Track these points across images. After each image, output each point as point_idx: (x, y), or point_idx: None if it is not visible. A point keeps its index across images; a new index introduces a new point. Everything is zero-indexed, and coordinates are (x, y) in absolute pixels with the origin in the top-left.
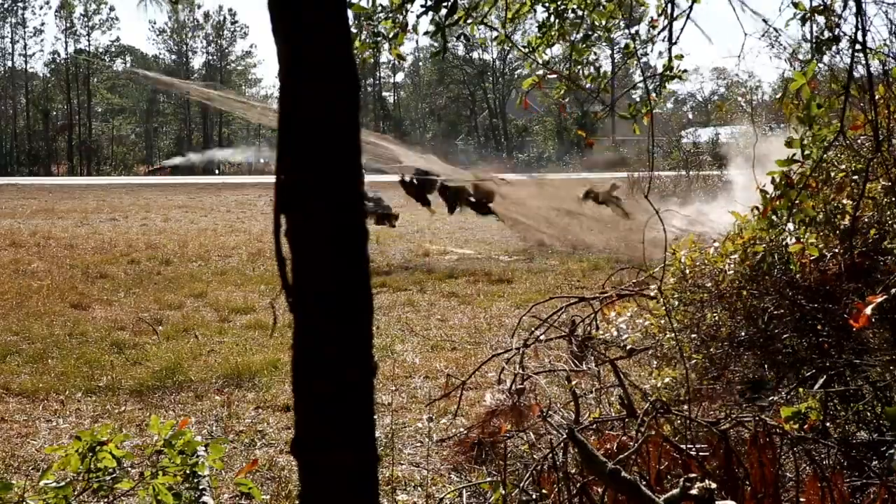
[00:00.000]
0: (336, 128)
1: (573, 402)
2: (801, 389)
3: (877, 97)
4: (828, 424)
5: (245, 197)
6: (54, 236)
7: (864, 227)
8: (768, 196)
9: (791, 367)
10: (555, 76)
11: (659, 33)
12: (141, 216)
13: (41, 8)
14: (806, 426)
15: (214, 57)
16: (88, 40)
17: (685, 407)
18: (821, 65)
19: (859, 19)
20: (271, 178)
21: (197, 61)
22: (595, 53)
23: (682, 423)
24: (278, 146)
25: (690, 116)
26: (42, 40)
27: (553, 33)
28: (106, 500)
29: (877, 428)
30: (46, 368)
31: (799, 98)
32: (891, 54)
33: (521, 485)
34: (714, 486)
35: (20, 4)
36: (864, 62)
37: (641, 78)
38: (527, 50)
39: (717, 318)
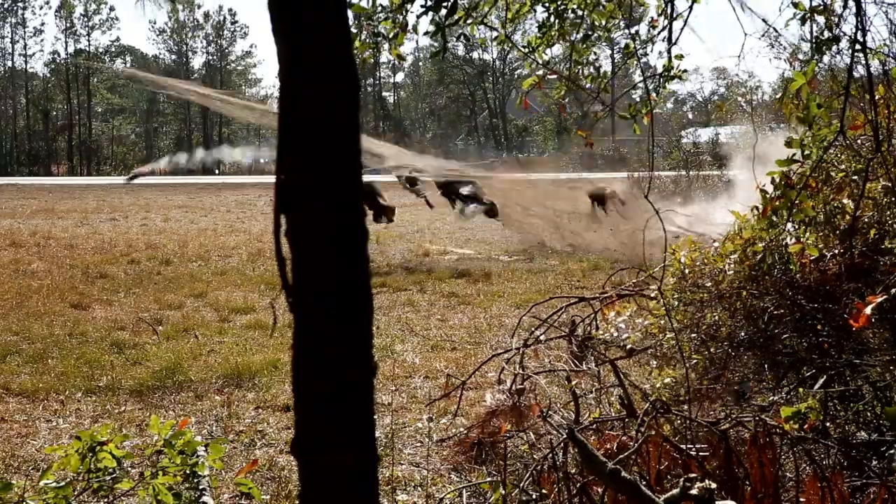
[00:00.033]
0: (336, 128)
1: (573, 402)
2: (801, 389)
3: (877, 97)
4: (828, 424)
5: (245, 197)
6: (54, 236)
7: (864, 227)
8: (768, 196)
9: (791, 367)
10: (555, 76)
11: (659, 33)
12: (141, 216)
13: (41, 8)
14: (806, 426)
15: (214, 57)
16: (88, 40)
17: (685, 407)
18: (821, 65)
19: (859, 19)
20: (271, 178)
21: (197, 61)
22: (595, 53)
23: (682, 423)
24: (278, 146)
25: (690, 116)
26: (42, 40)
27: (553, 33)
28: (106, 500)
29: (877, 428)
30: (46, 368)
31: (799, 98)
32: (891, 54)
33: (521, 485)
34: (714, 486)
35: (20, 4)
36: (864, 62)
37: (641, 78)
38: (527, 50)
39: (716, 318)
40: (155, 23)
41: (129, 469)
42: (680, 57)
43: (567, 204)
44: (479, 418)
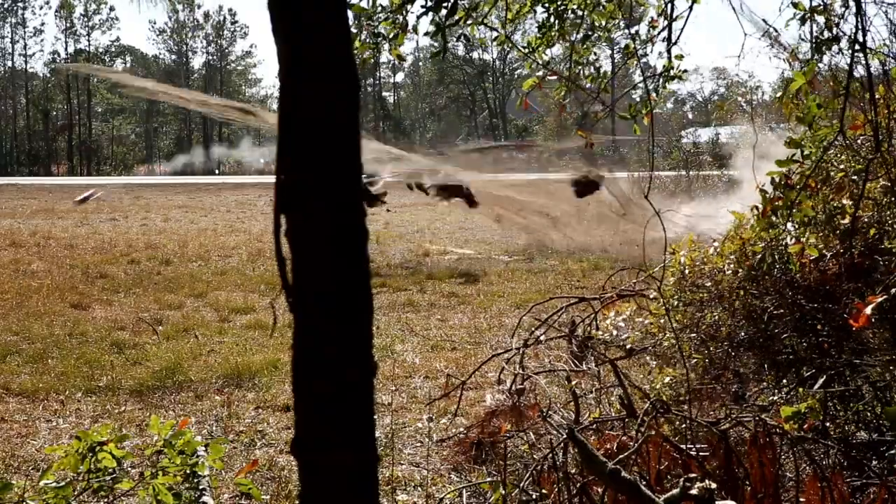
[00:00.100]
0: (336, 128)
1: (573, 402)
2: (801, 389)
3: (877, 97)
4: (828, 424)
5: (245, 197)
6: (54, 236)
7: (863, 227)
8: (768, 196)
9: (791, 367)
10: (555, 77)
11: (659, 34)
12: (141, 216)
13: (41, 8)
14: (806, 426)
15: (214, 57)
16: (88, 40)
17: (685, 407)
18: (821, 65)
19: (859, 19)
20: (271, 178)
21: (197, 61)
22: (595, 54)
23: (682, 423)
24: (278, 146)
25: (690, 116)
26: (42, 40)
27: (553, 34)
28: (106, 500)
29: (877, 428)
30: (46, 368)
31: (799, 98)
32: (891, 54)
33: (521, 485)
34: (714, 486)
35: (20, 4)
36: (864, 62)
37: (641, 78)
38: (527, 50)
39: (716, 317)
40: (155, 23)
41: (129, 469)
42: (680, 57)
43: (551, 199)
44: (478, 418)
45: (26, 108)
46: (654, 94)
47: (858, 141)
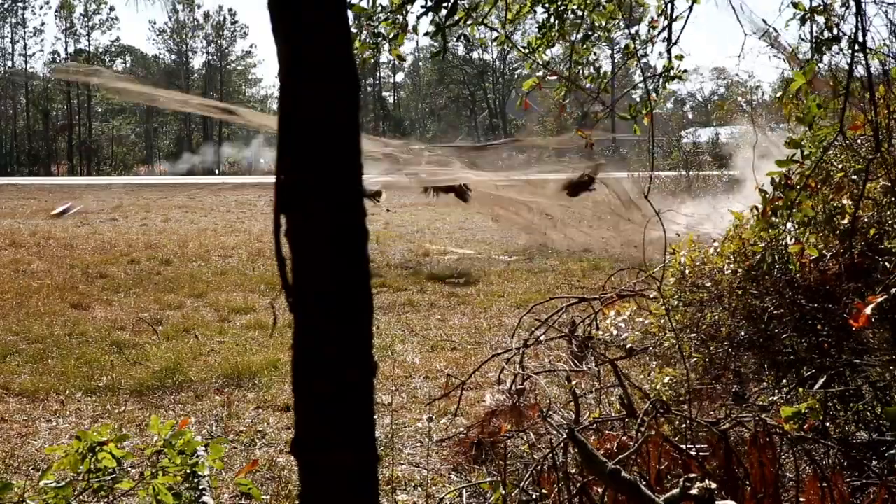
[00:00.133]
0: (336, 128)
1: (573, 402)
2: (801, 389)
3: (877, 97)
4: (828, 424)
5: (245, 197)
6: (54, 236)
7: (863, 227)
8: (767, 196)
9: (791, 367)
10: (555, 77)
11: (659, 34)
12: (141, 216)
13: (41, 8)
14: (806, 426)
15: (214, 57)
16: (88, 40)
17: (685, 407)
18: (821, 65)
19: (859, 19)
20: (271, 178)
21: (197, 61)
22: (595, 54)
23: (682, 423)
24: (278, 146)
25: (690, 116)
26: (42, 40)
27: (553, 34)
28: (106, 500)
29: (877, 428)
30: (46, 368)
31: (799, 98)
32: (891, 54)
33: (521, 485)
34: (714, 486)
35: (20, 4)
36: (864, 62)
37: (641, 78)
38: (527, 51)
39: (716, 318)
40: (155, 23)
41: (129, 469)
42: (680, 57)
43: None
44: (478, 418)
45: (26, 108)
46: (654, 95)
47: (858, 141)
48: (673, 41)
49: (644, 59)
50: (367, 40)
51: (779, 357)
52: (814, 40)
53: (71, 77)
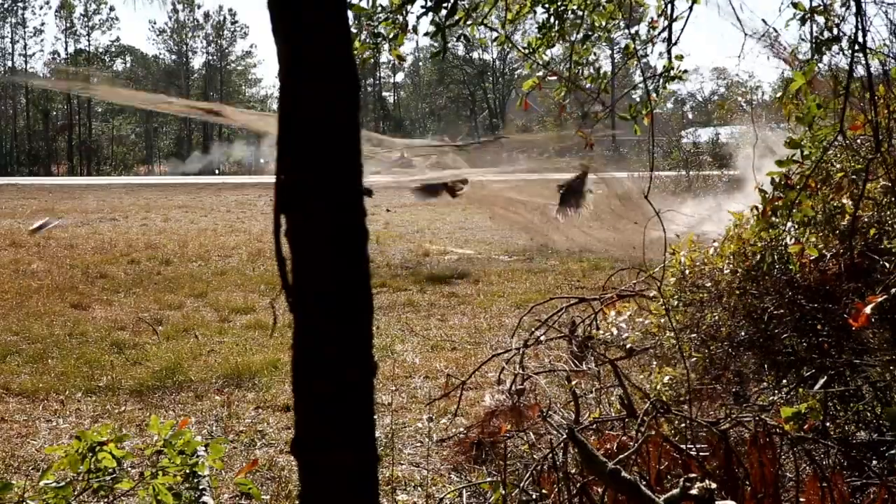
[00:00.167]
0: (336, 128)
1: (573, 402)
2: (801, 389)
3: (877, 97)
4: (828, 424)
5: (245, 197)
6: (54, 236)
7: (863, 227)
8: (767, 196)
9: (791, 367)
10: (555, 77)
11: (659, 34)
12: (141, 216)
13: (41, 8)
14: (806, 426)
15: (214, 57)
16: (88, 40)
17: (685, 407)
18: (821, 65)
19: (859, 19)
20: (271, 178)
21: (197, 61)
22: (595, 54)
23: (682, 423)
24: (278, 146)
25: (690, 116)
26: (42, 40)
27: (553, 34)
28: (106, 500)
29: (877, 428)
30: (46, 368)
31: (798, 98)
32: (891, 54)
33: (521, 485)
34: (714, 486)
35: (20, 4)
36: (864, 62)
37: (641, 78)
38: (527, 51)
39: (716, 318)
40: (155, 23)
41: (129, 469)
42: (680, 57)
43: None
44: (478, 418)
45: (26, 108)
46: (654, 95)
47: (858, 141)
48: (673, 41)
49: (644, 60)
50: (367, 40)
51: (779, 357)
52: (814, 40)
53: (48, 86)
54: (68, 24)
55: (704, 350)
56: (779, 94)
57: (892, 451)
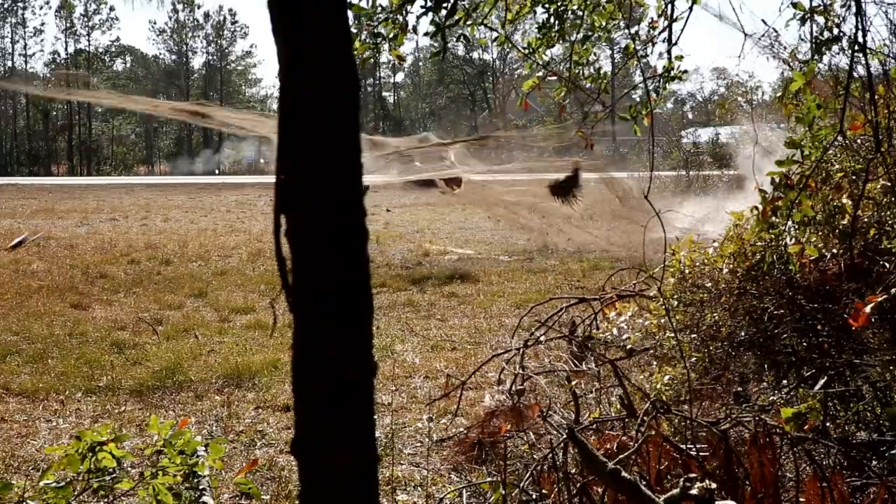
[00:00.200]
0: (336, 128)
1: (573, 402)
2: (801, 389)
3: (877, 97)
4: (828, 424)
5: (245, 197)
6: (54, 236)
7: (863, 227)
8: (767, 196)
9: (791, 367)
10: (555, 77)
11: (659, 34)
12: (141, 216)
13: (41, 8)
14: (806, 426)
15: (214, 57)
16: (88, 40)
17: (685, 407)
18: (821, 65)
19: (859, 19)
20: (271, 178)
21: (197, 61)
22: (595, 54)
23: (682, 423)
24: (278, 146)
25: (690, 116)
26: (42, 40)
27: (553, 34)
28: (106, 500)
29: (877, 428)
30: (46, 368)
31: (798, 98)
32: (891, 54)
33: (521, 485)
34: (714, 486)
35: (20, 4)
36: (864, 62)
37: (642, 78)
38: (527, 51)
39: (716, 318)
40: (155, 23)
41: (129, 469)
42: (680, 58)
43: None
44: (478, 418)
45: (26, 108)
46: (654, 95)
47: (858, 141)
48: (673, 41)
49: (644, 60)
50: (367, 40)
51: (779, 357)
52: (814, 40)
53: (31, 91)
54: (68, 24)
55: (704, 350)
56: (779, 94)
57: (892, 451)
